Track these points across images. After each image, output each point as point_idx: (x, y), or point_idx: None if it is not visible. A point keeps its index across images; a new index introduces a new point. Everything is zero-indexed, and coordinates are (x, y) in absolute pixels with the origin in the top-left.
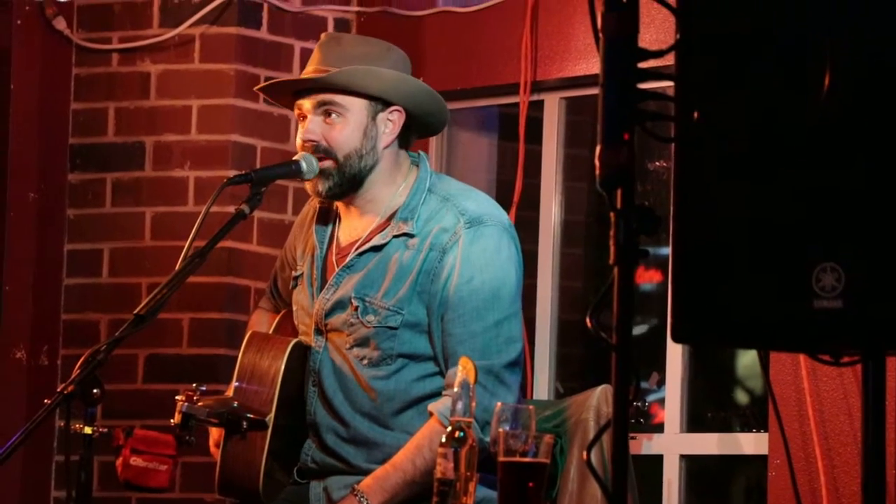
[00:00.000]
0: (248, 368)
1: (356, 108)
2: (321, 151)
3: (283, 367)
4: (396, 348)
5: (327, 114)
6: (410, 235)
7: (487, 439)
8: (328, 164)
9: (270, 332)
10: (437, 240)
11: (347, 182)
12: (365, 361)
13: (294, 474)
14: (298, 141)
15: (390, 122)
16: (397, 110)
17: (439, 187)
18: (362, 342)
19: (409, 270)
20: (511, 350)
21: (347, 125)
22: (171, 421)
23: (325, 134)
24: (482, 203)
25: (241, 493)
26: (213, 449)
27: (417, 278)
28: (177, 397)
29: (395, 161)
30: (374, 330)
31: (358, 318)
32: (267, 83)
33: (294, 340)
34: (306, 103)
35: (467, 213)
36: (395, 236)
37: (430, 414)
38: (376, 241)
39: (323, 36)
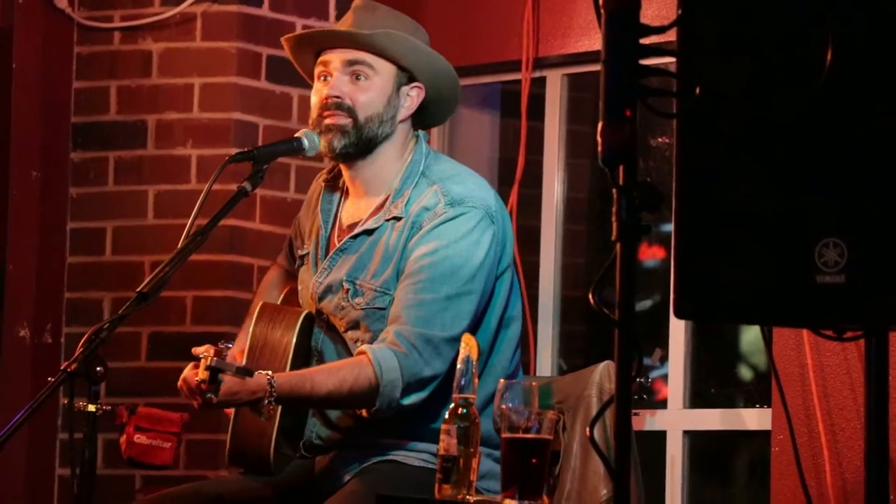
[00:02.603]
0: (261, 339)
1: (385, 72)
2: (344, 109)
3: (294, 340)
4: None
5: (355, 75)
6: (398, 218)
7: (405, 403)
8: (347, 121)
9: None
10: (417, 218)
11: (363, 144)
12: (359, 344)
13: (300, 449)
14: (316, 98)
15: (409, 98)
16: (418, 87)
17: (433, 170)
18: (354, 325)
19: (395, 251)
20: (456, 326)
21: (373, 87)
22: (196, 378)
23: (350, 93)
24: (469, 186)
25: (250, 463)
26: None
27: (401, 258)
28: (202, 353)
29: (405, 138)
30: (363, 312)
31: (348, 300)
32: (302, 33)
33: (305, 312)
34: (335, 59)
35: (450, 194)
36: (387, 220)
37: (362, 353)
38: (370, 224)
39: (358, 0)
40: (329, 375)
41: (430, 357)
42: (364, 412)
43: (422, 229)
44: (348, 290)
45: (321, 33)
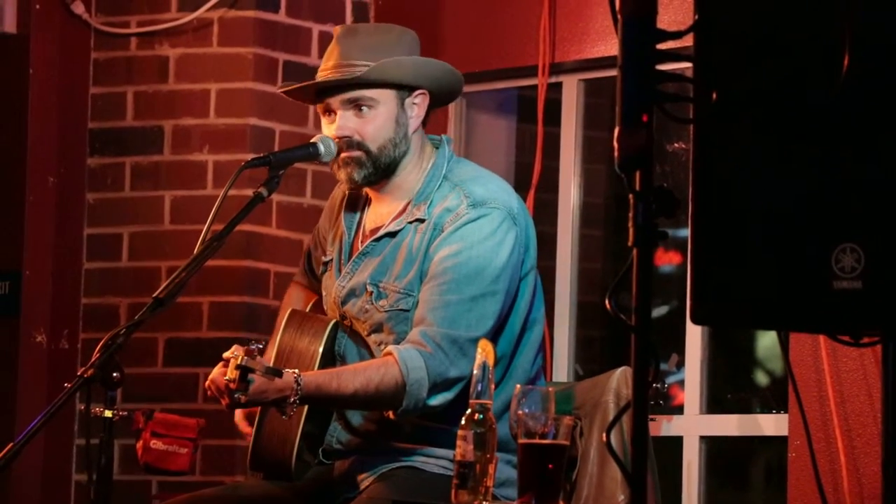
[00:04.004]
0: (288, 347)
1: (386, 98)
2: (354, 145)
3: (321, 348)
4: (410, 331)
5: (358, 108)
6: (421, 220)
7: (432, 403)
8: (360, 153)
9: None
10: (439, 220)
11: (382, 171)
12: (382, 346)
13: (319, 455)
14: (326, 134)
15: (415, 106)
16: (422, 93)
17: (456, 173)
18: (378, 328)
19: (418, 253)
20: (481, 327)
21: (380, 116)
22: (226, 378)
23: (358, 128)
24: (491, 188)
25: (271, 469)
26: (241, 423)
27: (424, 259)
28: (232, 354)
29: (420, 144)
30: (386, 314)
31: (372, 303)
32: (294, 86)
33: (333, 321)
34: (334, 101)
35: (472, 196)
36: (409, 222)
37: (389, 353)
38: (392, 227)
39: (337, 29)
40: (355, 375)
41: (455, 357)
42: (391, 413)
43: (444, 231)
44: (372, 292)
45: (312, 85)
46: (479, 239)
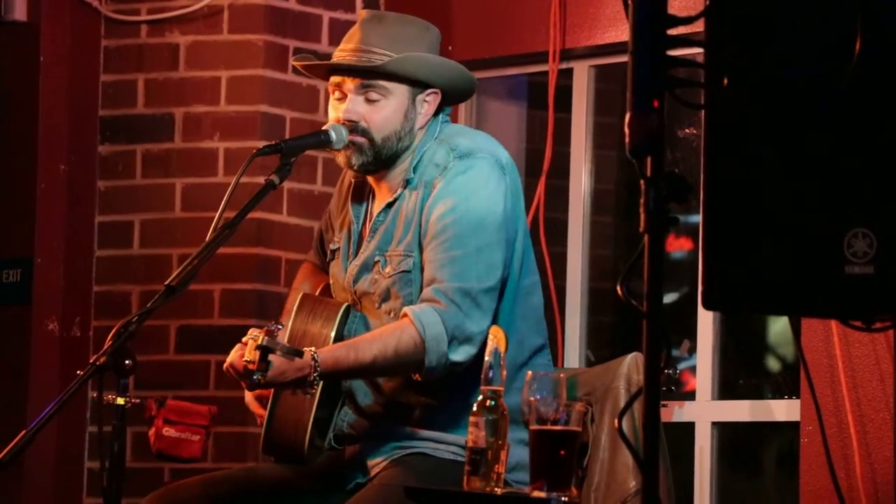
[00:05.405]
0: (300, 331)
1: (399, 91)
2: (359, 131)
3: (333, 333)
4: (415, 293)
5: (369, 95)
6: (412, 181)
7: (455, 358)
8: (364, 140)
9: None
10: (429, 176)
11: (382, 161)
12: (391, 315)
13: (331, 441)
14: (333, 115)
15: (426, 104)
16: (434, 92)
17: (444, 133)
18: (386, 296)
19: (413, 213)
20: (491, 277)
21: (389, 107)
22: (245, 359)
23: (366, 115)
24: (476, 139)
25: (284, 454)
26: (252, 404)
27: (420, 219)
28: (252, 336)
29: (423, 139)
30: (391, 279)
31: (380, 272)
32: (311, 63)
33: (345, 305)
34: (348, 82)
35: (458, 148)
36: (403, 187)
37: (404, 315)
38: (390, 198)
39: (364, 13)
40: (372, 342)
41: (469, 309)
42: (417, 376)
43: (435, 188)
44: (379, 261)
45: (329, 65)
46: (473, 190)
